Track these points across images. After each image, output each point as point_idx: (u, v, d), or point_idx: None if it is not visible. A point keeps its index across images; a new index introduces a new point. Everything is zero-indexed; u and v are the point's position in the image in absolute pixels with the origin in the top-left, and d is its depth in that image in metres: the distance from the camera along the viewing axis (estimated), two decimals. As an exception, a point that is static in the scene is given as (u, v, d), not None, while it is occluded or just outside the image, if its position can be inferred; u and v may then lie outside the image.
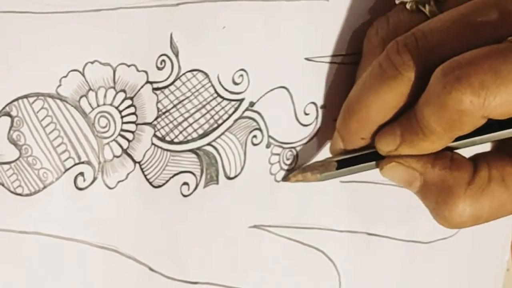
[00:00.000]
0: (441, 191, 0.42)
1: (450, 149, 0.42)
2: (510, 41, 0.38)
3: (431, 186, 0.42)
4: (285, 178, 0.45)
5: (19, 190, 0.39)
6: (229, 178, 0.44)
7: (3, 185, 0.38)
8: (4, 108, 0.38)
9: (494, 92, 0.37)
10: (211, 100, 0.42)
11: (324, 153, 0.46)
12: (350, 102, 0.42)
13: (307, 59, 0.44)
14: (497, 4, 0.39)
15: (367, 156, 0.43)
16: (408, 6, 0.42)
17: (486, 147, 0.43)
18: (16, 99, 0.38)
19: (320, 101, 0.45)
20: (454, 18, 0.40)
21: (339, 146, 0.44)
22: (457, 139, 0.41)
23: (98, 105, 0.40)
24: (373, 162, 0.43)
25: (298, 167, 0.46)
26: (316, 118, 0.45)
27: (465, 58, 0.38)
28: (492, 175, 0.41)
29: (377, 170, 0.46)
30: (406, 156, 0.42)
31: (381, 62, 0.40)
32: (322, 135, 0.46)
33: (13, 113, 0.38)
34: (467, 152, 0.43)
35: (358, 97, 0.41)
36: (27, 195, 0.39)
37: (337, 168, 0.44)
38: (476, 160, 0.42)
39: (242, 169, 0.44)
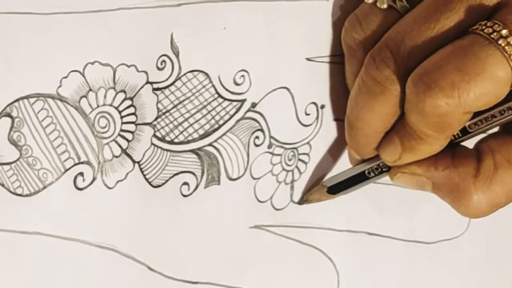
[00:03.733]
0: (451, 189, 0.42)
1: (453, 144, 0.42)
2: (472, 32, 0.38)
3: (440, 186, 0.42)
4: (304, 201, 0.46)
5: (19, 191, 0.39)
6: (231, 179, 0.44)
7: (3, 185, 0.38)
8: (4, 109, 0.38)
9: (466, 89, 0.37)
10: (212, 101, 0.42)
11: (324, 153, 0.46)
12: (350, 120, 0.43)
13: (307, 59, 0.44)
14: None
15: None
16: (379, 4, 0.42)
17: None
18: (17, 100, 0.38)
19: (320, 101, 0.45)
20: (420, 19, 0.40)
21: (356, 157, 0.44)
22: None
23: (98, 106, 0.40)
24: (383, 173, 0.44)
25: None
26: (317, 118, 0.45)
27: (430, 63, 0.38)
28: (497, 162, 0.42)
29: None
30: (408, 164, 0.42)
31: (365, 80, 0.41)
32: (323, 135, 0.46)
33: (14, 114, 0.38)
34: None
35: (356, 115, 0.42)
36: (27, 195, 0.39)
37: (354, 184, 0.45)
38: (479, 148, 0.42)
39: (245, 170, 0.44)
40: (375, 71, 0.40)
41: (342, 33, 0.43)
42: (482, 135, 0.43)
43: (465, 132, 0.42)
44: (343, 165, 0.46)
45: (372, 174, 0.44)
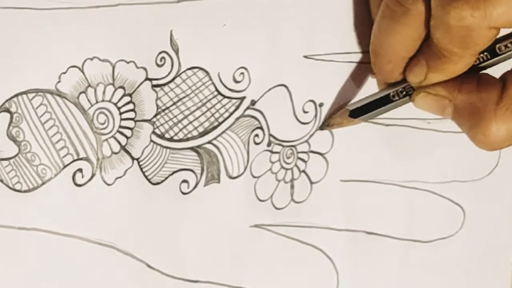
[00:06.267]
0: (471, 114, 0.42)
1: (480, 70, 0.42)
2: None
3: (462, 111, 0.42)
4: (326, 126, 0.45)
5: (18, 186, 0.39)
6: (231, 177, 0.44)
7: (2, 181, 0.38)
8: (3, 104, 0.38)
9: (492, 2, 0.37)
10: (211, 98, 0.42)
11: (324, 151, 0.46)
12: (374, 47, 0.43)
13: (305, 57, 0.44)
14: None
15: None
16: None
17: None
18: (16, 95, 0.38)
19: (318, 99, 0.45)
20: None
21: (383, 82, 0.44)
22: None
23: (97, 102, 0.40)
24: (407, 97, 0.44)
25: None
26: (315, 116, 0.45)
27: None
28: None
29: (378, 170, 0.46)
30: (433, 85, 0.42)
31: (387, 3, 0.41)
32: (321, 133, 0.46)
33: (13, 109, 0.38)
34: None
35: (379, 41, 0.42)
36: (25, 191, 0.39)
37: (377, 107, 0.44)
38: (505, 78, 0.42)
39: (245, 168, 0.44)
40: None
41: None
42: (510, 66, 0.43)
43: (494, 54, 0.42)
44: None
45: (396, 97, 0.44)
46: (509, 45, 0.41)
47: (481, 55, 0.42)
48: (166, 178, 0.42)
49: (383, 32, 0.42)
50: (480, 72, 0.42)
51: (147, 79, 0.41)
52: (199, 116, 0.42)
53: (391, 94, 0.44)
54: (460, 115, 0.42)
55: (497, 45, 0.41)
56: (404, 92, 0.44)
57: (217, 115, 0.43)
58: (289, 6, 0.43)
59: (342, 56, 0.45)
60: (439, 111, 0.43)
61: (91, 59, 0.39)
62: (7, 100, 0.38)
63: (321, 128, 0.46)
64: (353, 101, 0.46)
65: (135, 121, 0.41)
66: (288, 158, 0.45)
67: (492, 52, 0.41)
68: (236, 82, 0.43)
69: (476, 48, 0.40)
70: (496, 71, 0.43)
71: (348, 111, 0.45)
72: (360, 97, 0.46)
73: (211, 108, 0.42)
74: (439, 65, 0.41)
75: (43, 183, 0.39)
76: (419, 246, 0.50)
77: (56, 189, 0.39)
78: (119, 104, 0.40)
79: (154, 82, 0.41)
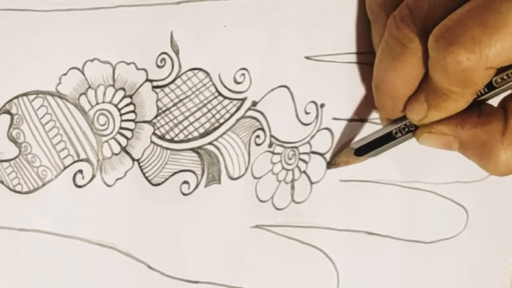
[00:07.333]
0: (479, 148, 0.42)
1: (480, 102, 0.42)
2: None
3: (468, 145, 0.42)
4: (332, 165, 0.46)
5: (18, 188, 0.39)
6: (232, 178, 0.44)
7: (2, 182, 0.38)
8: (4, 105, 0.38)
9: (487, 44, 0.38)
10: (212, 99, 0.42)
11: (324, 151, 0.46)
12: (376, 83, 0.43)
13: (306, 57, 0.44)
14: None
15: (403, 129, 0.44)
16: None
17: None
18: (16, 97, 0.38)
19: (320, 100, 0.45)
20: None
21: (385, 118, 0.45)
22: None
23: (98, 103, 0.40)
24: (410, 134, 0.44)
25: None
26: (317, 117, 0.45)
27: (451, 20, 0.38)
28: None
29: (377, 170, 0.46)
30: (436, 123, 0.42)
31: (387, 40, 0.41)
32: (322, 134, 0.46)
33: (13, 110, 0.38)
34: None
35: (380, 77, 0.42)
36: (26, 192, 0.39)
37: (381, 145, 0.45)
38: (506, 106, 0.42)
39: (246, 169, 0.44)
40: (395, 30, 0.40)
41: None
42: (507, 93, 0.43)
43: (491, 88, 0.42)
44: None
45: (399, 134, 0.44)
46: (505, 77, 0.41)
47: None
48: (167, 179, 0.42)
49: (384, 68, 0.42)
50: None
51: (147, 80, 0.41)
52: (199, 117, 0.42)
53: (394, 131, 0.44)
54: (467, 149, 0.43)
55: (494, 78, 0.41)
56: (407, 129, 0.44)
57: (218, 116, 0.43)
58: (289, 6, 0.43)
59: (343, 57, 0.45)
60: (445, 147, 0.43)
61: (92, 60, 0.39)
62: (7, 102, 0.38)
63: (328, 167, 0.46)
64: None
65: (136, 122, 0.41)
66: (290, 159, 0.45)
67: (489, 85, 0.42)
68: (237, 83, 0.43)
69: (475, 87, 0.40)
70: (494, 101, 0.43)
71: (353, 149, 0.45)
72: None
73: (211, 109, 0.43)
74: (439, 103, 0.41)
75: (43, 184, 0.39)
76: (421, 247, 0.50)
77: (56, 190, 0.39)
78: (120, 106, 0.40)
79: (155, 83, 0.41)
